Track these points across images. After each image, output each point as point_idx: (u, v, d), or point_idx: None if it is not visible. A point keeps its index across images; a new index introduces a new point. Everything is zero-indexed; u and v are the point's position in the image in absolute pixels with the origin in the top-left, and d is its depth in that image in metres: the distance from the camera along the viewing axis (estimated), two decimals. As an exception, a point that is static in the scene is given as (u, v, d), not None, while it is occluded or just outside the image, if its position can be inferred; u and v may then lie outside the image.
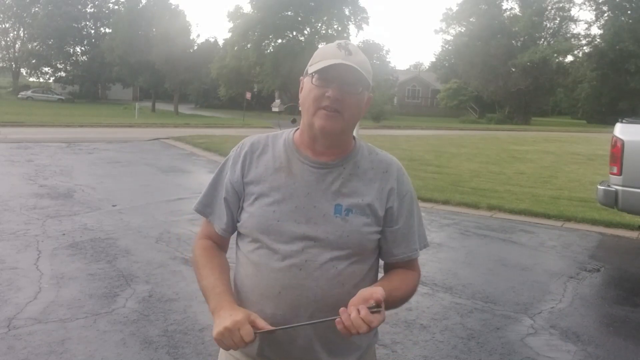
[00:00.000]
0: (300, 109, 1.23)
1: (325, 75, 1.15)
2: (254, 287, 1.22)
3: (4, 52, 52.07)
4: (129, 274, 4.08)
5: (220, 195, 1.29)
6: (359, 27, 41.72)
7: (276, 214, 1.20)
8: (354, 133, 1.31)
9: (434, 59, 64.68)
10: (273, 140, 1.30)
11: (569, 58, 48.36)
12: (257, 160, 1.27)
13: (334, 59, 1.15)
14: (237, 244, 1.30)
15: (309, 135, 1.22)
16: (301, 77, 1.24)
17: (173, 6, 40.10)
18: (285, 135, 1.30)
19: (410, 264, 1.30)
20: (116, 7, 51.13)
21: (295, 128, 1.30)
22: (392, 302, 1.19)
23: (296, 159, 1.24)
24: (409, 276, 1.29)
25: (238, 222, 1.28)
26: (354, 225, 1.19)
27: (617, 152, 5.01)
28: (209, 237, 1.34)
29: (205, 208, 1.33)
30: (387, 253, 1.29)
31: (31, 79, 60.21)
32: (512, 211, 7.15)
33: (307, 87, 1.19)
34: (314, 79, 1.16)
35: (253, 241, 1.23)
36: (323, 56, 1.18)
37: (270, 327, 1.11)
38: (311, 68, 1.18)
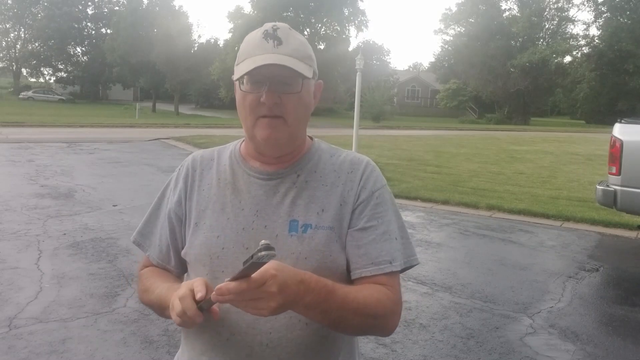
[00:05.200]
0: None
1: (255, 77, 0.94)
2: (198, 334, 1.00)
3: (5, 53, 52.10)
4: (130, 274, 4.09)
5: (161, 224, 1.10)
6: (359, 29, 41.74)
7: (220, 240, 0.99)
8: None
9: (433, 60, 64.78)
10: (219, 154, 1.11)
11: (568, 58, 48.53)
12: (200, 179, 1.07)
13: (261, 53, 0.94)
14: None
15: (253, 147, 1.04)
16: (233, 77, 1.01)
17: (176, 7, 40.20)
18: (232, 146, 1.12)
19: (380, 282, 0.97)
20: (116, 8, 51.22)
21: (243, 138, 1.11)
22: (340, 306, 0.89)
23: (242, 172, 1.05)
24: (377, 288, 0.96)
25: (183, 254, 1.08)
26: (314, 243, 0.96)
27: (616, 152, 5.02)
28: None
29: (144, 239, 1.13)
30: (350, 264, 0.99)
31: (32, 80, 60.25)
32: (511, 211, 7.16)
33: (239, 94, 0.98)
34: (242, 85, 0.96)
35: (197, 276, 0.99)
36: (248, 52, 0.97)
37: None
38: (237, 69, 0.97)
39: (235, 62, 1.00)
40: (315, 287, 0.85)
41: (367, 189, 1.02)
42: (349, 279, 1.00)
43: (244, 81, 0.96)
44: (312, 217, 0.98)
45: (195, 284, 0.85)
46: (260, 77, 0.94)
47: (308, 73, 0.96)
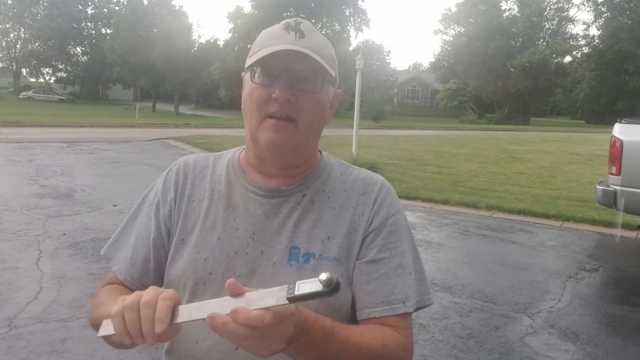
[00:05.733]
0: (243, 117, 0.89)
1: (269, 68, 0.83)
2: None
3: (5, 53, 52.15)
4: (130, 274, 4.09)
5: (137, 234, 0.94)
6: (359, 29, 41.76)
7: (208, 264, 0.86)
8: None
9: (433, 60, 64.81)
10: (214, 162, 0.98)
11: (568, 58, 48.58)
12: (192, 187, 0.94)
13: (281, 44, 0.82)
14: None
15: (255, 153, 0.90)
16: (243, 73, 0.90)
17: (175, 7, 40.25)
18: (230, 154, 0.99)
19: (389, 323, 0.84)
20: (117, 8, 51.31)
21: (243, 146, 0.99)
22: (339, 349, 0.76)
23: (239, 185, 0.91)
24: (384, 331, 0.83)
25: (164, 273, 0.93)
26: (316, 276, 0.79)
27: (616, 152, 5.02)
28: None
29: (115, 252, 0.96)
30: (357, 302, 0.86)
31: (32, 80, 60.30)
32: (511, 211, 7.17)
33: (248, 88, 0.86)
34: (255, 76, 0.84)
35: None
36: (266, 42, 0.84)
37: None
38: (250, 60, 0.86)
39: (248, 55, 0.88)
40: (312, 327, 0.71)
41: (381, 214, 0.89)
42: (353, 318, 0.86)
43: (256, 73, 0.84)
44: (316, 245, 0.86)
45: (161, 301, 0.65)
46: (276, 68, 0.82)
47: (331, 72, 0.85)
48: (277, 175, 0.90)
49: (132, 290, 0.85)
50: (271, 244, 0.86)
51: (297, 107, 0.82)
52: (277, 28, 0.86)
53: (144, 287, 0.80)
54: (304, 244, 0.86)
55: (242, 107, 0.88)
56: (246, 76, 0.87)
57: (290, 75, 0.82)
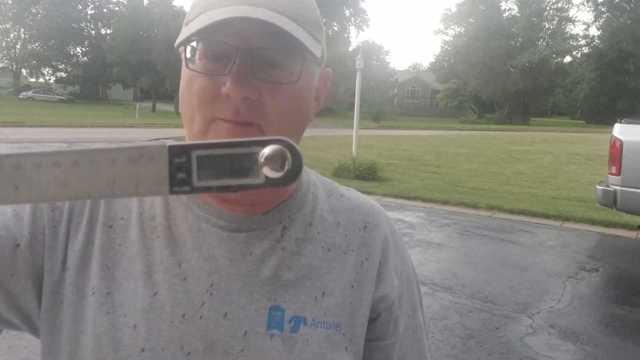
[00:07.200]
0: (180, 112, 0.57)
1: (215, 46, 0.51)
2: None
3: (5, 53, 52.22)
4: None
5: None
6: (359, 29, 41.83)
7: (139, 335, 0.54)
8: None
9: (433, 60, 64.87)
10: None
11: (568, 58, 48.65)
12: (107, 210, 0.59)
13: (230, 4, 0.50)
14: None
15: None
16: (180, 48, 0.56)
17: (175, 7, 40.32)
18: None
19: None
20: (117, 8, 51.43)
21: None
22: None
23: (184, 210, 0.59)
24: None
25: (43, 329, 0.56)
26: (310, 351, 0.56)
27: (616, 152, 5.02)
28: None
29: None
30: None
31: (32, 80, 60.38)
32: (511, 211, 7.18)
33: (186, 75, 0.54)
34: (194, 58, 0.53)
35: None
36: (209, 2, 0.52)
37: None
38: (186, 29, 0.53)
39: (184, 22, 0.56)
40: None
41: (397, 266, 0.65)
42: None
43: (196, 53, 0.52)
44: (307, 304, 0.58)
45: None
46: (225, 46, 0.50)
47: (315, 49, 0.53)
48: (244, 197, 0.58)
49: None
50: (240, 302, 0.56)
51: (262, 107, 0.52)
52: None
53: None
54: (290, 303, 0.57)
55: (179, 101, 0.56)
56: (182, 56, 0.55)
57: (250, 57, 0.50)
